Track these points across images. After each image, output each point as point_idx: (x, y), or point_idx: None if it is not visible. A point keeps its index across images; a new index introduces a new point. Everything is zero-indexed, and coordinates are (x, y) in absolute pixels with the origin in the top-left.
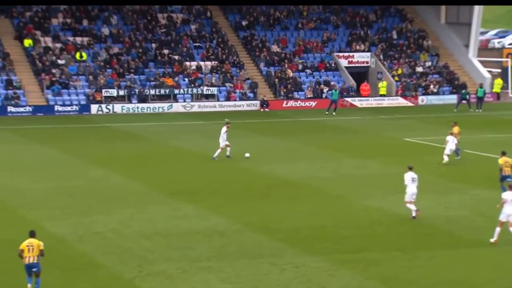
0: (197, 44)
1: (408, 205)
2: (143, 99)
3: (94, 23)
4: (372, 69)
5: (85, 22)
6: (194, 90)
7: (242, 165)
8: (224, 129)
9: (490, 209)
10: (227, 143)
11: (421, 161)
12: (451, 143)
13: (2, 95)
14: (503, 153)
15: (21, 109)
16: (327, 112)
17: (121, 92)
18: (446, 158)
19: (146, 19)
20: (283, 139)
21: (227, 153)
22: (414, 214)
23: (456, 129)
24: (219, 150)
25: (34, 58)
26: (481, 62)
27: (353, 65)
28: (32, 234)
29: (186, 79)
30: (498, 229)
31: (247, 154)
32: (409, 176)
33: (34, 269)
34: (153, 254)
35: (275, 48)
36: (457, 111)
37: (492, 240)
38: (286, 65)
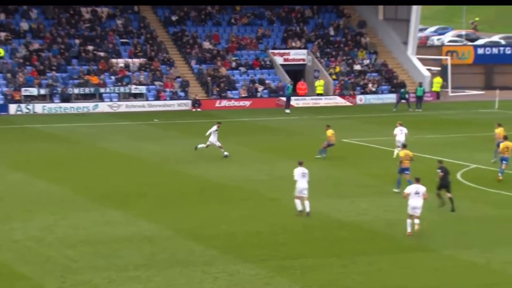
0: (124, 40)
1: (296, 201)
2: (66, 98)
3: (12, 17)
4: (308, 67)
5: (2, 16)
6: (121, 89)
7: (173, 168)
8: (214, 127)
9: (430, 212)
10: (219, 144)
11: (358, 162)
12: (399, 135)
13: None
14: (404, 146)
15: None
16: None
17: (42, 91)
18: (395, 151)
19: (68, 14)
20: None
21: (224, 153)
22: (299, 208)
23: (329, 132)
24: (203, 145)
25: None
26: (420, 60)
27: (289, 62)
28: None
29: (113, 77)
30: (409, 221)
31: (225, 153)
32: (299, 171)
33: None
34: (77, 263)
35: (207, 44)
36: (396, 111)
37: (407, 231)
38: (219, 63)
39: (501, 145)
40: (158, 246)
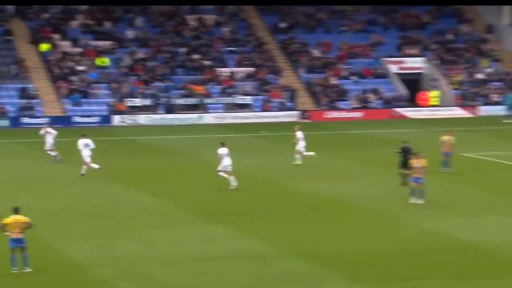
0: (230, 48)
1: (221, 174)
2: (170, 109)
3: (117, 25)
4: (425, 75)
5: (107, 24)
6: (227, 99)
7: (280, 183)
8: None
9: None
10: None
11: (477, 178)
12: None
13: (16, 104)
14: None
15: (37, 120)
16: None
17: (146, 102)
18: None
19: (174, 21)
20: (325, 154)
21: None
22: (227, 180)
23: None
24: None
25: (51, 64)
26: None
27: (404, 71)
28: (16, 210)
29: (218, 87)
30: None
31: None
32: (223, 151)
33: (20, 244)
34: (179, 281)
35: (316, 52)
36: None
37: None
38: (329, 72)
39: None
40: (264, 264)
